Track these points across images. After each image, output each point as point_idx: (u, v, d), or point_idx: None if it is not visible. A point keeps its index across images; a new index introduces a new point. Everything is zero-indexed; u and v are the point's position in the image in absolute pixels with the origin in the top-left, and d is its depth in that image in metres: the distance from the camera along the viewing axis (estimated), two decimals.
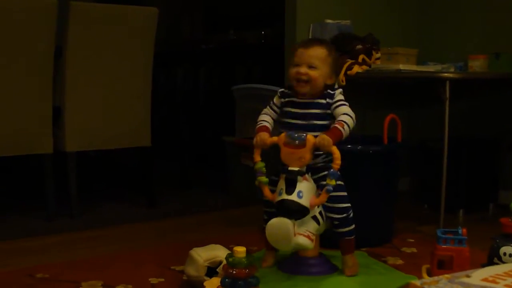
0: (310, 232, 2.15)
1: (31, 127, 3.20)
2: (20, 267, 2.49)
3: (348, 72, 3.18)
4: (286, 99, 2.29)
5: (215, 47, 5.44)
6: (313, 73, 2.19)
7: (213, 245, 2.27)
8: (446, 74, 2.95)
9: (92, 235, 3.04)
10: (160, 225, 3.24)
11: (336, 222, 2.27)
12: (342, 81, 3.17)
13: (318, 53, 2.21)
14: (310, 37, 3.49)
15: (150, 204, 3.60)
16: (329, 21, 3.47)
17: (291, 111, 2.26)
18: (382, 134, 2.79)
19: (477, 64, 3.34)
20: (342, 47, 3.28)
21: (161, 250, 2.72)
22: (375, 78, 3.40)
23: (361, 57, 3.26)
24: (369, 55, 3.30)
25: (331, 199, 2.18)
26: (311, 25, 3.51)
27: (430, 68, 3.27)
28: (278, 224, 2.05)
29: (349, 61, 3.22)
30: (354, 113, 2.20)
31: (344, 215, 2.26)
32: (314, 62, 2.19)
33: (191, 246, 2.27)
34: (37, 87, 3.18)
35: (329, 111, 2.22)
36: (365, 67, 3.25)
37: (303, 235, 2.11)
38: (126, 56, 3.42)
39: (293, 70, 2.22)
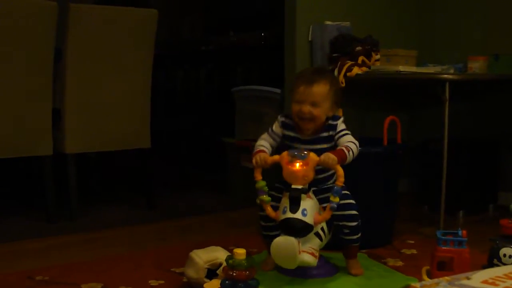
0: (314, 249, 2.15)
1: (31, 129, 3.19)
2: (19, 269, 2.49)
3: (348, 74, 3.19)
4: (290, 133, 2.29)
5: (215, 48, 5.43)
6: (316, 111, 2.21)
7: (213, 247, 2.27)
8: (445, 76, 2.95)
9: (92, 237, 3.03)
10: (159, 227, 3.24)
11: (347, 231, 2.27)
12: (342, 82, 3.17)
13: (320, 91, 2.21)
14: (309, 39, 3.49)
15: (149, 206, 3.60)
16: (328, 22, 3.47)
17: (296, 147, 2.26)
18: (382, 135, 2.79)
19: (477, 66, 3.33)
20: (341, 48, 3.28)
21: (161, 252, 2.72)
22: (374, 79, 3.40)
23: (360, 58, 3.26)
24: (369, 57, 3.30)
25: (340, 207, 2.19)
26: (311, 26, 3.51)
27: (430, 69, 3.26)
28: (283, 243, 2.05)
29: (349, 63, 3.22)
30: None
31: (355, 223, 2.26)
32: (316, 100, 2.20)
33: (191, 248, 2.27)
34: (37, 89, 3.18)
35: (333, 143, 2.24)
36: (364, 69, 3.25)
37: (307, 253, 2.11)
38: (125, 58, 3.41)
39: (296, 108, 2.23)
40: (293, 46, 3.51)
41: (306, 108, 2.20)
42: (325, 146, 2.24)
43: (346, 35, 3.35)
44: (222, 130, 4.42)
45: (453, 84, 2.89)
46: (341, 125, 2.26)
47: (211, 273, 2.17)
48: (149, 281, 2.32)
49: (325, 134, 2.26)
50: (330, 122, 2.26)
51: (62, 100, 3.27)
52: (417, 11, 4.06)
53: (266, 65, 4.60)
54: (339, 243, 2.33)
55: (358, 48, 3.27)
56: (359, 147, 2.64)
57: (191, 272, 2.18)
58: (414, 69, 3.24)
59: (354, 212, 2.26)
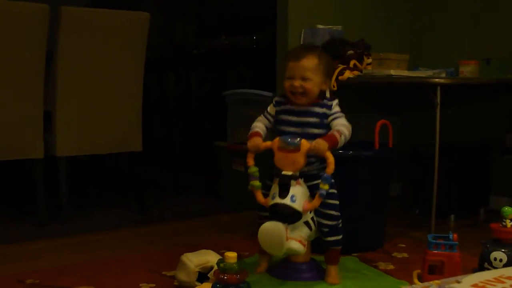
0: (303, 237, 2.14)
1: (22, 132, 3.19)
2: (10, 272, 2.48)
3: (340, 78, 3.19)
4: (283, 107, 2.30)
5: (207, 52, 5.44)
6: (307, 85, 2.21)
7: (204, 250, 2.27)
8: (437, 80, 2.96)
9: (83, 240, 3.03)
10: (151, 231, 3.23)
11: (326, 229, 2.26)
12: (334, 86, 3.17)
13: (309, 64, 2.22)
14: (301, 42, 3.50)
15: (141, 209, 3.60)
16: (320, 26, 3.48)
17: (287, 119, 2.28)
18: (374, 139, 2.80)
19: (468, 70, 3.34)
20: (333, 52, 3.28)
21: (152, 256, 2.72)
22: (366, 83, 3.40)
23: (352, 62, 3.27)
24: (361, 61, 3.30)
25: (323, 205, 2.19)
26: (303, 30, 3.51)
27: (421, 73, 3.27)
28: (271, 228, 2.04)
29: (341, 66, 3.22)
30: (346, 118, 2.21)
31: (334, 222, 2.25)
32: (306, 74, 2.21)
33: (182, 252, 2.27)
34: (28, 92, 3.17)
35: (325, 121, 2.23)
36: (356, 73, 3.25)
37: (295, 240, 2.11)
38: (117, 61, 3.41)
39: (287, 84, 2.24)
40: (285, 49, 3.51)
41: (297, 83, 2.21)
42: (315, 120, 2.23)
43: (338, 39, 3.35)
44: (214, 133, 4.42)
45: (445, 88, 2.90)
46: (336, 107, 2.26)
47: (202, 277, 2.17)
48: (140, 285, 2.32)
49: (318, 109, 2.24)
50: (326, 101, 2.26)
51: (53, 103, 3.27)
52: (409, 15, 4.07)
53: (258, 68, 4.60)
54: (321, 244, 2.31)
55: (350, 52, 3.28)
56: (351, 151, 2.65)
57: (182, 276, 2.18)
58: (405, 73, 3.24)
59: (335, 212, 2.25)
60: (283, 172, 2.10)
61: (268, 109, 2.35)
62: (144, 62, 3.52)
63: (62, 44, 3.22)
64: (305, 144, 2.10)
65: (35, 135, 3.23)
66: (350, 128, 2.20)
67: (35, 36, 3.13)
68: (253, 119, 2.35)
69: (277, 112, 2.31)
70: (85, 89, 3.33)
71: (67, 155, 3.33)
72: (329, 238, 2.27)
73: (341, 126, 2.19)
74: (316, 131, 2.21)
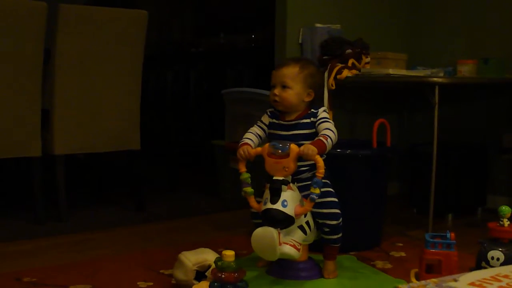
0: (296, 242, 2.14)
1: (19, 130, 3.18)
2: (7, 270, 2.48)
3: (338, 76, 3.19)
4: (274, 120, 2.32)
5: (205, 50, 5.44)
6: (284, 94, 2.24)
7: (202, 248, 2.27)
8: (435, 79, 2.96)
9: (81, 238, 3.02)
10: (149, 229, 3.23)
11: (327, 229, 2.26)
12: (332, 85, 3.17)
13: (288, 72, 2.26)
14: (299, 41, 3.50)
15: (139, 207, 3.60)
16: (319, 25, 3.48)
17: (278, 134, 2.30)
18: (372, 138, 2.80)
19: (466, 69, 3.35)
20: (331, 51, 3.29)
21: (150, 254, 2.72)
22: (364, 82, 3.40)
23: (350, 61, 3.27)
24: (359, 60, 3.30)
25: (322, 205, 2.19)
26: (301, 29, 3.51)
27: (419, 72, 3.27)
28: (262, 233, 2.04)
29: (339, 65, 3.22)
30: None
31: (335, 222, 2.25)
32: (285, 81, 2.25)
33: (180, 250, 2.26)
34: (26, 90, 3.17)
35: (314, 130, 2.25)
36: (354, 72, 3.25)
37: (288, 245, 2.11)
38: (115, 59, 3.41)
39: (271, 92, 2.29)
40: (283, 48, 3.52)
41: (276, 91, 2.26)
42: (306, 131, 2.25)
43: (337, 38, 3.35)
44: (211, 132, 4.42)
45: (443, 87, 2.90)
46: (322, 113, 2.27)
47: (200, 275, 2.17)
48: (138, 283, 2.32)
49: (306, 120, 2.26)
50: (312, 110, 2.28)
51: (51, 101, 3.26)
52: (407, 15, 4.07)
53: (256, 67, 4.60)
54: (320, 243, 2.32)
55: (348, 51, 3.28)
56: (349, 149, 2.66)
57: (179, 274, 2.18)
58: (404, 72, 3.24)
59: (335, 210, 2.25)
60: (274, 177, 2.10)
61: (262, 119, 2.36)
62: (142, 60, 3.52)
63: (60, 42, 3.21)
64: (294, 148, 2.10)
65: (33, 133, 3.23)
66: (336, 133, 2.20)
67: (33, 33, 3.13)
68: (251, 117, 2.36)
69: (270, 125, 2.33)
70: (83, 87, 3.33)
71: (65, 153, 3.33)
72: (329, 237, 2.28)
73: (327, 130, 2.19)
74: (307, 143, 2.20)
